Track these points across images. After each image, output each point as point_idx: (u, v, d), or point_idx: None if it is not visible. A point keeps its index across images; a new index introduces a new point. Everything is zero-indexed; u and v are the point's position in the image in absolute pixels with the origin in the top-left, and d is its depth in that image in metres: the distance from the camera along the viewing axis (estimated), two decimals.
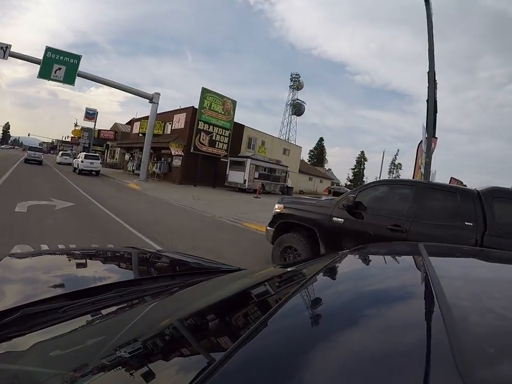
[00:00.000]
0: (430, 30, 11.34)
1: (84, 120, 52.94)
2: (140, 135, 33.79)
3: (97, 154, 31.46)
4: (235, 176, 29.33)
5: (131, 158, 37.70)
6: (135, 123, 39.93)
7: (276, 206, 6.91)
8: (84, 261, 2.14)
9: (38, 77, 22.60)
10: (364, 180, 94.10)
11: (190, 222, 11.32)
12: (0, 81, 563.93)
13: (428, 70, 11.42)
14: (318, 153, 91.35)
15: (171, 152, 27.94)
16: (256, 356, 0.68)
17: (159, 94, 26.99)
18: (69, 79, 23.18)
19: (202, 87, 28.93)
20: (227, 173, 30.09)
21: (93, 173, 28.13)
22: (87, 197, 14.05)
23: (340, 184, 76.13)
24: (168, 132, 31.47)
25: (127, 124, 56.67)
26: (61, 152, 45.99)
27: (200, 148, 28.46)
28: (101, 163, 29.66)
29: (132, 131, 40.72)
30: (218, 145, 30.37)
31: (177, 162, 28.93)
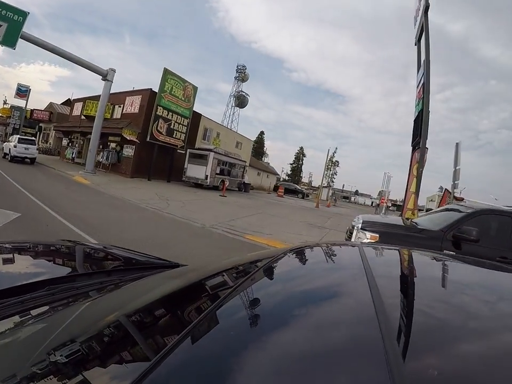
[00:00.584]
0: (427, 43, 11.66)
1: (15, 97, 46.35)
2: (83, 117, 29.66)
3: (33, 138, 26.52)
4: (195, 171, 26.22)
5: (70, 144, 33.10)
6: (75, 104, 35.17)
7: (367, 235, 5.40)
8: (11, 255, 1.93)
9: None
10: (301, 175, 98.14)
11: (191, 239, 9.04)
12: None
13: (419, 81, 11.74)
14: (258, 147, 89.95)
15: (124, 140, 24.43)
16: (188, 359, 0.65)
17: (114, 70, 22.95)
18: (9, 40, 18.41)
19: (165, 68, 25.21)
20: (185, 166, 26.85)
21: (27, 160, 24.04)
22: (32, 199, 10.65)
23: (282, 180, 76.77)
24: (118, 116, 27.38)
25: (62, 104, 51.07)
26: None
27: (157, 137, 24.87)
28: (37, 149, 25.23)
29: (71, 113, 35.78)
30: (176, 135, 26.92)
31: (128, 152, 25.10)
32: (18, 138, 23.90)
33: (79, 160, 30.33)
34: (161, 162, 25.68)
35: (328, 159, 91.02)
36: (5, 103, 59.31)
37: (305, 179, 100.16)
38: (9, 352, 0.85)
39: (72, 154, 30.88)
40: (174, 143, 26.71)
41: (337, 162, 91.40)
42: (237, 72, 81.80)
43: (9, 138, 26.26)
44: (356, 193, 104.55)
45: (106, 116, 27.59)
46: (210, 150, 26.67)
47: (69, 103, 48.37)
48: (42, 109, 46.37)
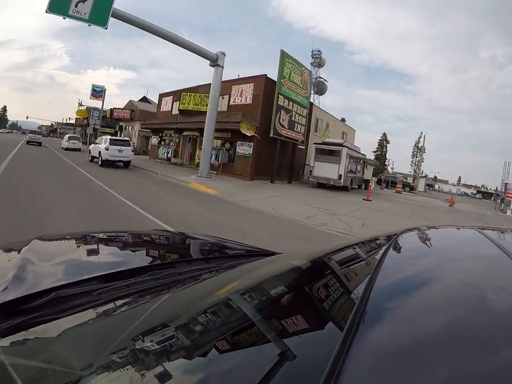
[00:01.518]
0: None
1: (90, 98, 44.31)
2: (178, 113, 25.56)
3: (126, 139, 22.42)
4: (324, 169, 20.90)
5: (162, 143, 29.12)
6: (163, 98, 31.18)
7: None
8: (115, 243, 2.13)
9: (47, 11, 13.47)
10: (386, 163, 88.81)
11: None
12: None
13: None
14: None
15: (235, 136, 20.04)
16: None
17: (224, 54, 17.90)
18: (98, 18, 14.00)
19: (281, 50, 19.98)
20: (311, 164, 21.56)
21: (119, 163, 20.40)
22: (161, 225, 7.10)
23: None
24: (224, 109, 22.51)
25: (140, 101, 47.96)
26: (67, 136, 37.10)
27: (280, 131, 19.83)
28: (132, 150, 21.08)
29: (159, 109, 31.92)
30: (297, 128, 21.81)
31: (244, 150, 20.22)
32: (110, 139, 20.11)
33: (175, 160, 26.19)
34: (280, 161, 20.85)
35: (414, 145, 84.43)
36: (80, 104, 57.71)
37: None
38: (116, 329, 0.90)
39: (167, 153, 26.80)
40: (295, 138, 21.68)
41: (424, 148, 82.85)
42: (312, 57, 75.39)
43: (97, 140, 22.51)
44: (435, 179, 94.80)
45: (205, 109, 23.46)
46: (341, 145, 21.30)
47: (144, 100, 44.72)
48: (122, 107, 42.99)
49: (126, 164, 20.46)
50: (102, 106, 43.44)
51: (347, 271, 1.07)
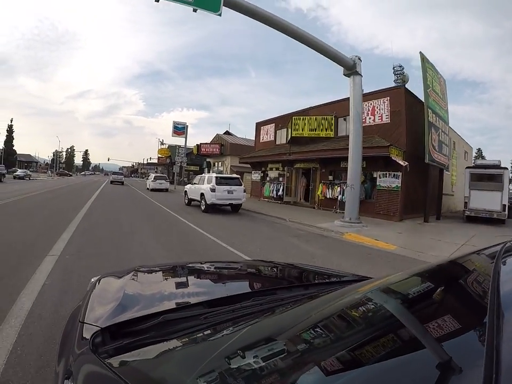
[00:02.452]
0: None
1: (172, 136, 43.53)
2: (287, 142, 23.05)
3: (236, 176, 18.99)
4: (483, 199, 16.54)
5: (266, 178, 26.07)
6: (262, 127, 28.44)
7: None
8: (216, 272, 2.39)
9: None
10: None
11: None
12: (78, 115, 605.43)
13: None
14: None
15: (374, 164, 16.41)
16: None
17: (360, 59, 14.17)
18: (209, 3, 11.33)
19: (420, 53, 16.33)
20: (465, 194, 17.33)
21: (226, 207, 17.72)
22: None
23: None
24: (346, 133, 18.80)
25: (224, 133, 46.17)
26: (152, 175, 35.80)
27: (433, 155, 15.92)
28: (244, 190, 17.79)
29: (258, 139, 29.08)
30: (443, 150, 17.87)
31: (388, 182, 16.45)
32: (216, 177, 16.82)
33: (288, 198, 23.09)
34: (419, 191, 16.80)
35: None
36: (161, 143, 57.58)
37: None
38: (223, 351, 0.96)
39: (277, 191, 23.64)
40: (443, 162, 17.67)
41: None
42: (394, 75, 71.03)
43: (196, 180, 19.61)
44: None
45: (328, 134, 20.14)
46: (500, 167, 17.08)
47: (228, 134, 42.81)
48: (209, 142, 41.25)
49: (236, 208, 17.39)
50: (185, 143, 42.22)
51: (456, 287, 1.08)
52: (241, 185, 17.37)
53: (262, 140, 28.27)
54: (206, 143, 40.50)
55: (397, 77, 73.25)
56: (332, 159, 18.65)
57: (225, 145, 38.16)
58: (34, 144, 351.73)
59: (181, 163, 38.85)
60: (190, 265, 2.43)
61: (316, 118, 21.40)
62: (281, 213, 16.69)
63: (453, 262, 1.37)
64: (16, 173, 47.86)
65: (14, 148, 71.14)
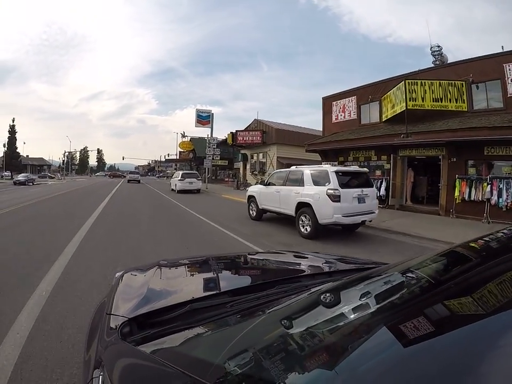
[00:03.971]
0: None
1: (196, 126, 36.39)
2: (377, 121, 16.53)
3: (363, 169, 10.92)
4: None
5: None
6: (335, 103, 20.47)
7: None
8: (239, 263, 2.41)
9: None
10: None
11: None
12: (91, 117, 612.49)
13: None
14: None
15: None
16: None
17: None
18: None
19: None
20: None
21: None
22: None
23: None
24: (497, 105, 11.88)
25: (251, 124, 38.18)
26: (180, 173, 27.63)
27: None
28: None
29: (329, 119, 20.98)
30: None
31: None
32: (337, 174, 8.79)
33: (394, 201, 15.34)
34: None
35: None
36: (183, 136, 49.88)
37: None
38: (252, 336, 0.98)
39: (378, 190, 15.47)
40: None
41: None
42: (433, 55, 62.35)
43: (269, 179, 11.69)
44: None
45: (460, 107, 12.76)
46: None
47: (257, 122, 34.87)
48: (245, 129, 33.19)
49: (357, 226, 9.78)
50: (211, 133, 34.61)
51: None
52: (372, 185, 9.76)
53: (336, 119, 20.41)
54: (243, 130, 32.45)
55: (436, 58, 64.59)
56: (471, 143, 11.74)
57: (268, 132, 29.89)
58: (48, 148, 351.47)
59: (213, 156, 31.25)
60: (212, 257, 2.41)
61: (440, 83, 13.91)
62: (419, 229, 9.71)
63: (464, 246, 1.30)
64: (16, 178, 41.75)
65: (18, 151, 64.19)
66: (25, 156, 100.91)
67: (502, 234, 1.29)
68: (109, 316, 1.28)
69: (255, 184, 15.56)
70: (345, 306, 1.07)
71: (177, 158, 58.48)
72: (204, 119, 36.08)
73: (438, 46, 60.80)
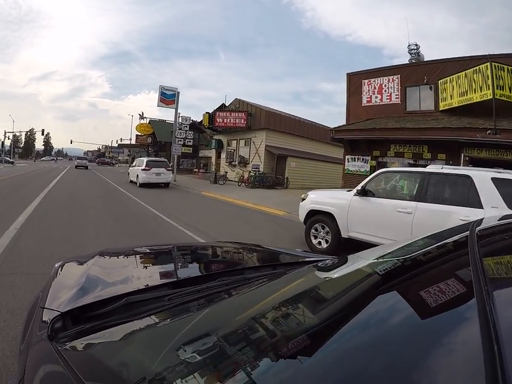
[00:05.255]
0: None
1: (158, 105, 28.51)
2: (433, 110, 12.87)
3: None
4: None
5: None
6: (369, 82, 15.90)
7: None
8: (182, 254, 2.21)
9: None
10: None
11: None
12: (41, 98, 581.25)
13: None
14: None
15: None
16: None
17: None
18: None
19: None
20: None
21: None
22: None
23: None
24: None
25: (217, 110, 32.22)
26: (145, 160, 20.33)
27: None
28: None
29: (358, 101, 16.20)
30: None
31: None
32: None
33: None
34: None
35: None
36: (141, 117, 43.25)
37: None
38: (188, 333, 0.90)
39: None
40: None
41: None
42: (410, 54, 59.70)
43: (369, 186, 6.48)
44: None
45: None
46: None
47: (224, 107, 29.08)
48: (225, 111, 27.27)
49: None
50: (176, 114, 28.58)
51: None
52: None
53: (368, 102, 15.72)
54: (223, 111, 26.55)
55: (412, 56, 62.45)
56: None
57: (254, 114, 24.57)
58: None
59: (184, 140, 25.35)
60: (155, 248, 2.35)
61: None
62: None
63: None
64: None
65: None
66: None
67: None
68: (42, 309, 1.19)
69: (247, 178, 10.83)
70: (286, 299, 1.06)
71: (132, 143, 51.67)
72: (168, 98, 29.27)
73: (416, 45, 55.46)
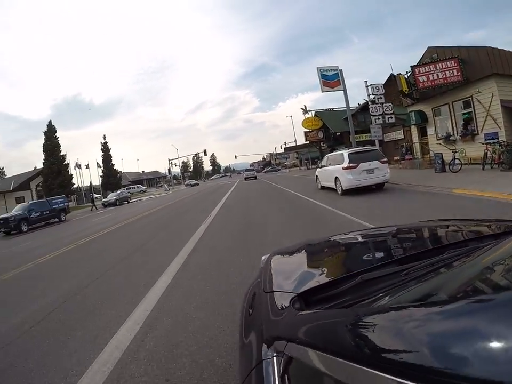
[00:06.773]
0: None
1: (322, 91, 24.12)
2: None
3: None
4: None
5: None
6: None
7: None
8: (400, 233, 2.12)
9: None
10: None
11: None
12: (200, 126, 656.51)
13: None
14: None
15: None
16: None
17: None
18: None
19: None
20: None
21: None
22: None
23: None
24: None
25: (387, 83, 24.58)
26: (346, 154, 13.81)
27: None
28: None
29: None
30: None
31: None
32: None
33: None
34: None
35: None
36: (305, 111, 39.02)
37: None
38: (432, 302, 0.85)
39: None
40: None
41: None
42: None
43: None
44: None
45: None
46: None
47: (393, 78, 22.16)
48: (426, 64, 19.90)
49: None
50: (345, 94, 23.77)
51: None
52: None
53: None
54: (422, 65, 18.53)
55: None
56: None
57: (468, 58, 16.79)
58: (162, 161, 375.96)
59: (383, 117, 19.74)
60: (366, 232, 2.39)
61: None
62: None
63: None
64: (105, 199, 37.26)
65: (115, 168, 60.22)
66: (141, 172, 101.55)
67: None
68: (271, 293, 1.23)
69: None
70: None
71: (297, 144, 48.31)
72: (330, 79, 23.89)
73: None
